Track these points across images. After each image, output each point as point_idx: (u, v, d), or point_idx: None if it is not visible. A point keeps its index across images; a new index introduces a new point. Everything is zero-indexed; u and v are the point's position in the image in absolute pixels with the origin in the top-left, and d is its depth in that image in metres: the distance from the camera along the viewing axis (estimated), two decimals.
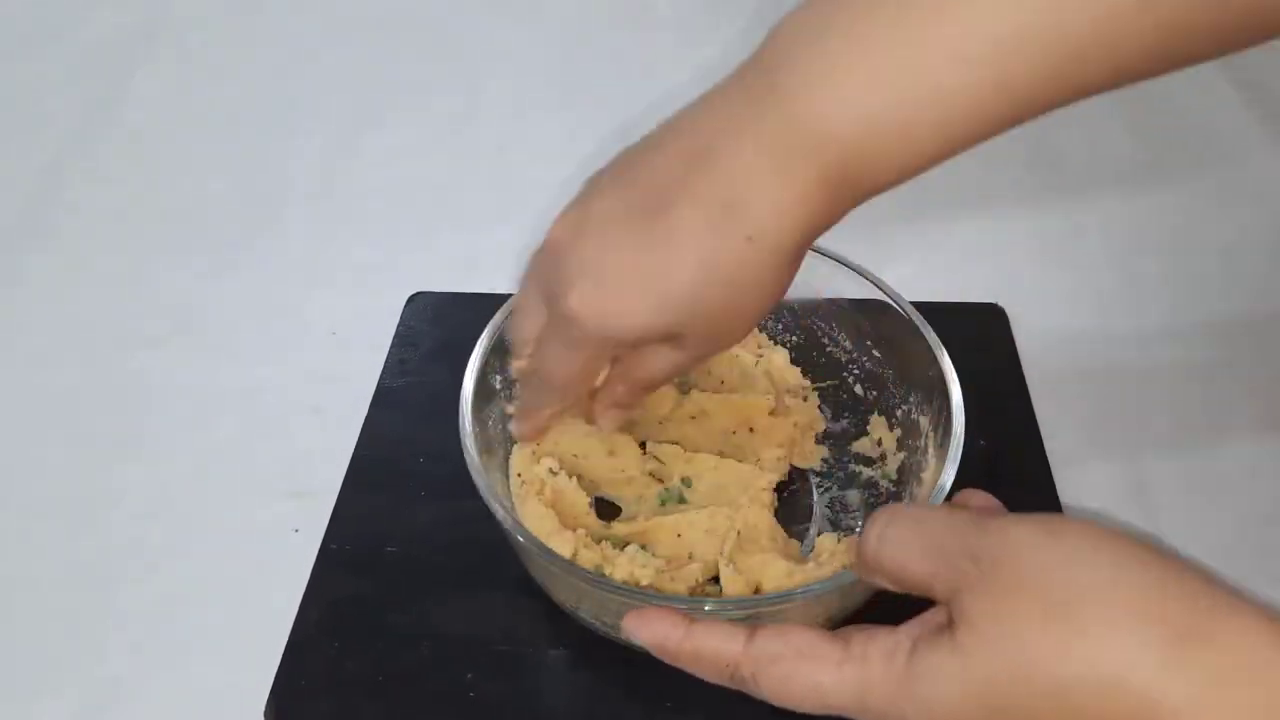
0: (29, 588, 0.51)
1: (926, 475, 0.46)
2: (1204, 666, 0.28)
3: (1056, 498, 0.52)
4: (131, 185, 0.73)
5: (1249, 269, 0.64)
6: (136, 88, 0.82)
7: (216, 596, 0.50)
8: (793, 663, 0.34)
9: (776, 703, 0.34)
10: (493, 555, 0.49)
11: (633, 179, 0.38)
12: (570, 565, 0.42)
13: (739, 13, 0.87)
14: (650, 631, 0.37)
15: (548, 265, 0.40)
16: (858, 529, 0.49)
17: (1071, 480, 0.53)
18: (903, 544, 0.34)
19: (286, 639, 0.47)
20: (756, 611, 0.39)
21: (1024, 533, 0.31)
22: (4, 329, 0.64)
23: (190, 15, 0.89)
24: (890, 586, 0.35)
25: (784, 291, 0.38)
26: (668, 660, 0.37)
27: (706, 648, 0.36)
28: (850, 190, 0.35)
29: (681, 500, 0.50)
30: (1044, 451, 0.54)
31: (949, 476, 0.42)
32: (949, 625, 0.31)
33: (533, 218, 0.69)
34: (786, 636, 0.34)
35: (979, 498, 0.41)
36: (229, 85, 0.83)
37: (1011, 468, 0.53)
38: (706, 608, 0.38)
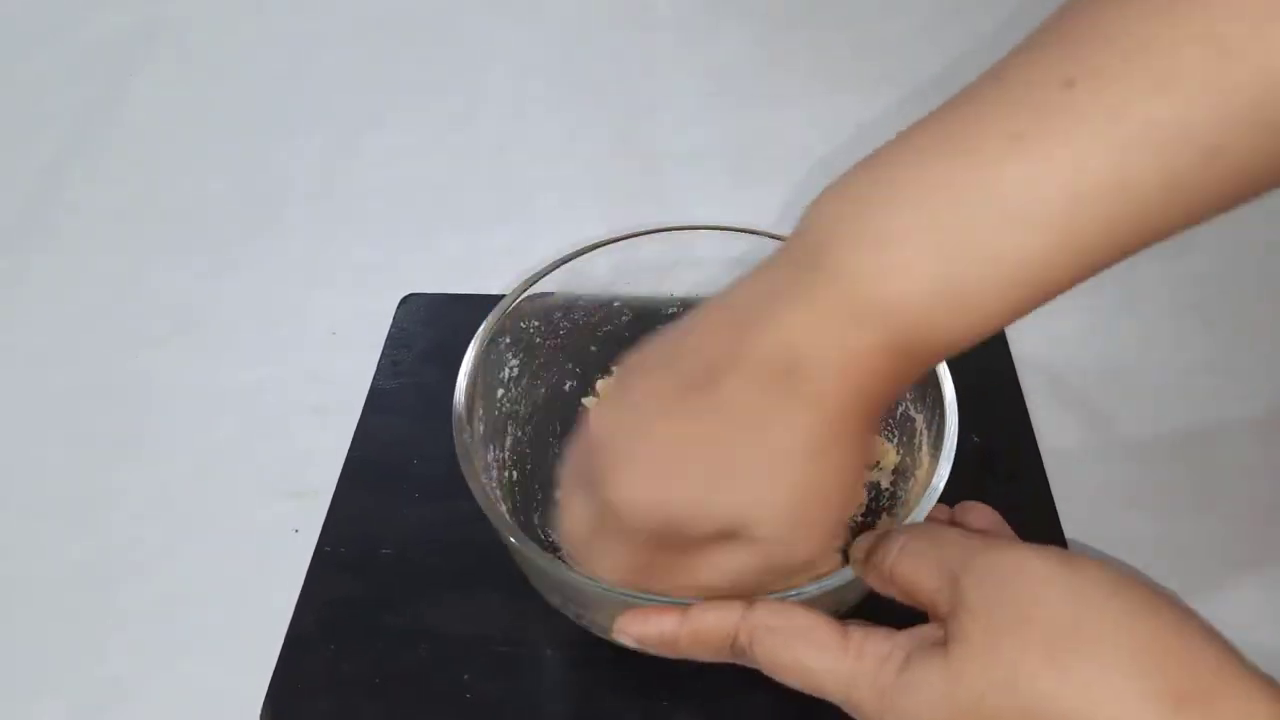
0: (29, 588, 0.51)
1: (920, 473, 0.46)
2: None
3: (1050, 495, 0.52)
4: (131, 185, 0.74)
5: (1249, 268, 0.64)
6: (136, 88, 0.82)
7: (216, 596, 0.50)
8: (789, 637, 0.34)
9: (767, 672, 0.35)
10: (489, 556, 0.49)
11: (673, 357, 0.34)
12: (559, 566, 0.42)
13: (739, 13, 0.87)
14: (646, 628, 0.37)
15: (588, 458, 0.35)
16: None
17: (1065, 477, 0.53)
18: (918, 560, 0.34)
19: (280, 646, 0.47)
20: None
21: (1038, 564, 0.31)
22: (4, 329, 0.64)
23: (190, 15, 0.89)
24: (900, 598, 0.35)
25: (864, 466, 0.34)
26: (668, 653, 0.37)
27: (705, 626, 0.36)
28: (913, 358, 0.32)
29: None
30: (1037, 449, 0.54)
31: (943, 474, 0.42)
32: (944, 642, 0.31)
33: (533, 218, 0.70)
34: (788, 613, 0.35)
35: (979, 511, 0.41)
36: (229, 85, 0.83)
37: (1005, 465, 0.53)
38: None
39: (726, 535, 0.34)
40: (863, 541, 0.38)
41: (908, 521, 0.40)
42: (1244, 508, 0.53)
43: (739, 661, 0.36)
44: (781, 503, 0.33)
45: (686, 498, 0.33)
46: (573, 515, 0.38)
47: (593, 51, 0.85)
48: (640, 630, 0.37)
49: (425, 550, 0.50)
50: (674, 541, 0.35)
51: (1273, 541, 0.51)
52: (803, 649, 0.34)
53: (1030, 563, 0.31)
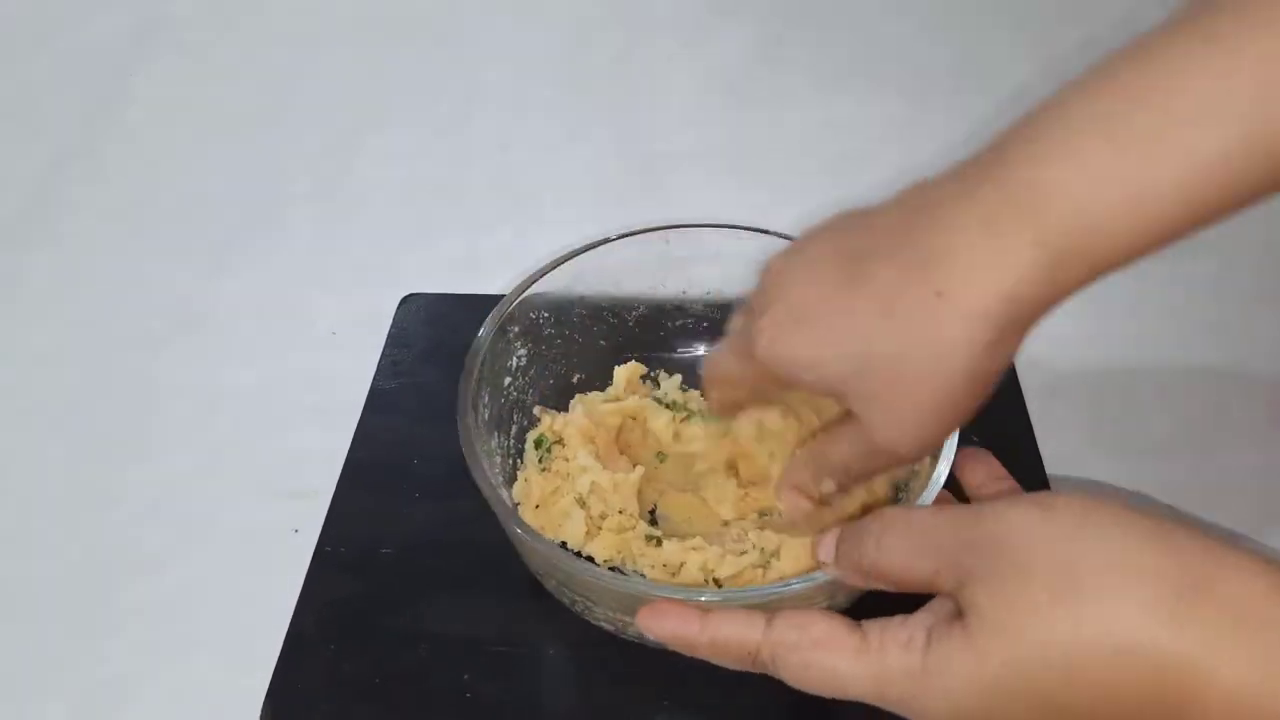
0: (29, 588, 0.51)
1: (920, 471, 0.46)
2: (1207, 619, 0.28)
3: (1048, 490, 0.52)
4: (131, 185, 0.74)
5: (1249, 269, 0.64)
6: (136, 88, 0.82)
7: (216, 596, 0.50)
8: (811, 651, 0.34)
9: (793, 685, 0.35)
10: (489, 556, 0.49)
11: (849, 228, 0.37)
12: (576, 561, 0.42)
13: (739, 13, 0.87)
14: (667, 626, 0.37)
15: (757, 289, 0.39)
16: None
17: (1063, 475, 0.53)
18: (900, 549, 0.34)
19: (281, 645, 0.47)
20: (752, 603, 0.39)
21: (1018, 515, 0.32)
22: (4, 329, 0.64)
23: (190, 15, 0.89)
24: (889, 589, 0.35)
25: (985, 376, 0.34)
26: (686, 652, 0.38)
27: (725, 637, 0.36)
28: (1077, 261, 0.32)
29: None
30: (1037, 449, 0.54)
31: (943, 472, 0.42)
32: (959, 615, 0.32)
33: (533, 218, 0.70)
34: (805, 625, 0.35)
35: (977, 460, 0.43)
36: (229, 85, 0.83)
37: (1004, 463, 0.52)
38: (702, 598, 0.38)
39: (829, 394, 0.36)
40: (826, 541, 0.37)
41: None
42: (1244, 508, 0.53)
43: (762, 672, 0.36)
44: (888, 381, 0.34)
45: (805, 347, 0.36)
46: (735, 330, 0.41)
47: (593, 51, 0.85)
48: (660, 629, 0.37)
49: (425, 551, 0.50)
50: (784, 381, 0.38)
51: (1273, 541, 0.51)
52: (825, 658, 0.34)
53: (1011, 517, 0.32)
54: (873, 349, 0.34)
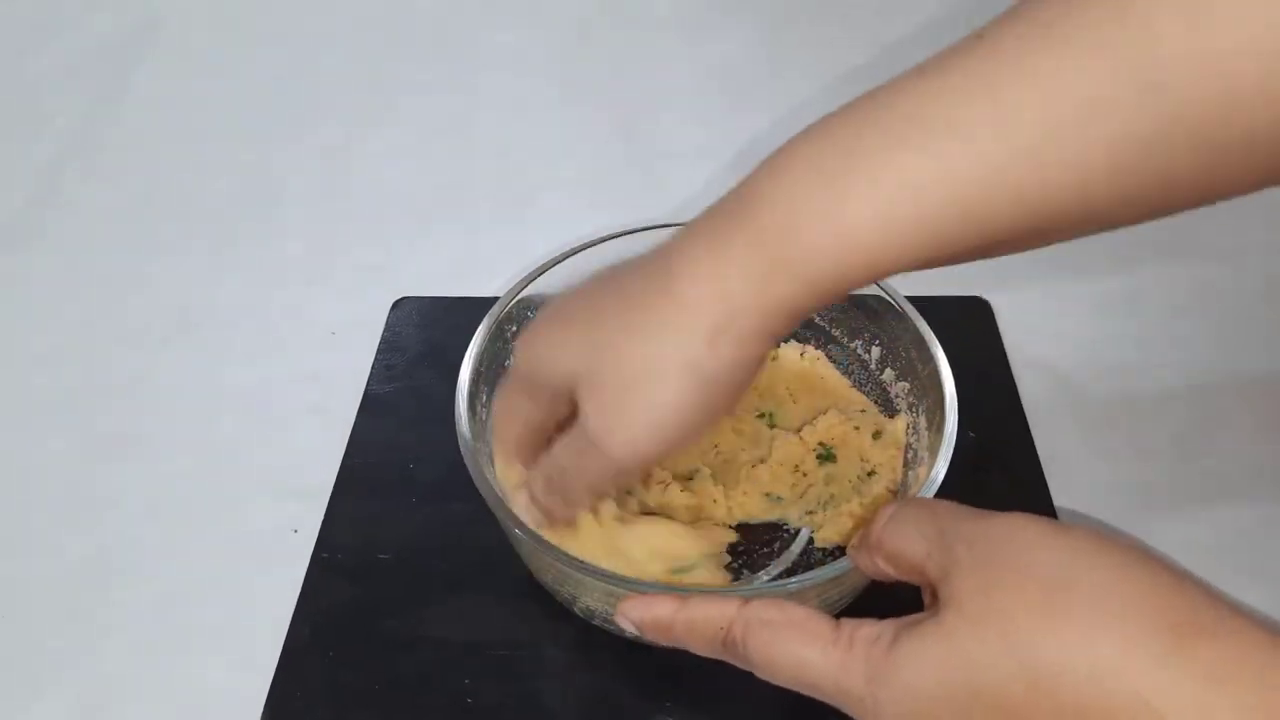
0: (29, 587, 0.51)
1: (920, 468, 0.46)
2: (1199, 665, 0.27)
3: (1046, 487, 0.52)
4: (131, 185, 0.74)
5: (1249, 269, 0.64)
6: (136, 88, 0.82)
7: (216, 597, 0.50)
8: (783, 630, 0.34)
9: (759, 669, 0.35)
10: (487, 558, 0.49)
11: (616, 269, 0.40)
12: (568, 557, 0.42)
13: (739, 12, 0.87)
14: (645, 612, 0.38)
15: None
16: None
17: (1061, 474, 0.53)
18: (907, 527, 0.34)
19: (281, 646, 0.47)
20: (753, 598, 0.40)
21: (1028, 524, 0.32)
22: (4, 329, 0.64)
23: (190, 15, 0.89)
24: (889, 570, 0.35)
25: (704, 379, 0.35)
26: (662, 640, 0.38)
27: (700, 615, 0.36)
28: (785, 273, 0.34)
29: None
30: (1033, 444, 0.54)
31: (942, 467, 0.42)
32: (935, 611, 0.31)
33: (533, 218, 0.70)
34: (782, 606, 0.35)
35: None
36: (229, 85, 0.83)
37: (1000, 460, 0.53)
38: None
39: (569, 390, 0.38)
40: (861, 531, 0.38)
41: None
42: (1244, 508, 0.53)
43: (730, 659, 0.36)
44: (616, 385, 0.36)
45: (553, 351, 0.39)
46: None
47: (593, 51, 0.85)
48: (639, 614, 0.38)
49: (423, 555, 0.50)
50: (538, 389, 0.41)
51: (1273, 541, 0.51)
52: (795, 641, 0.34)
53: (1021, 527, 0.31)
54: (605, 347, 0.37)
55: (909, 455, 0.49)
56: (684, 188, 0.71)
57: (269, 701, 0.45)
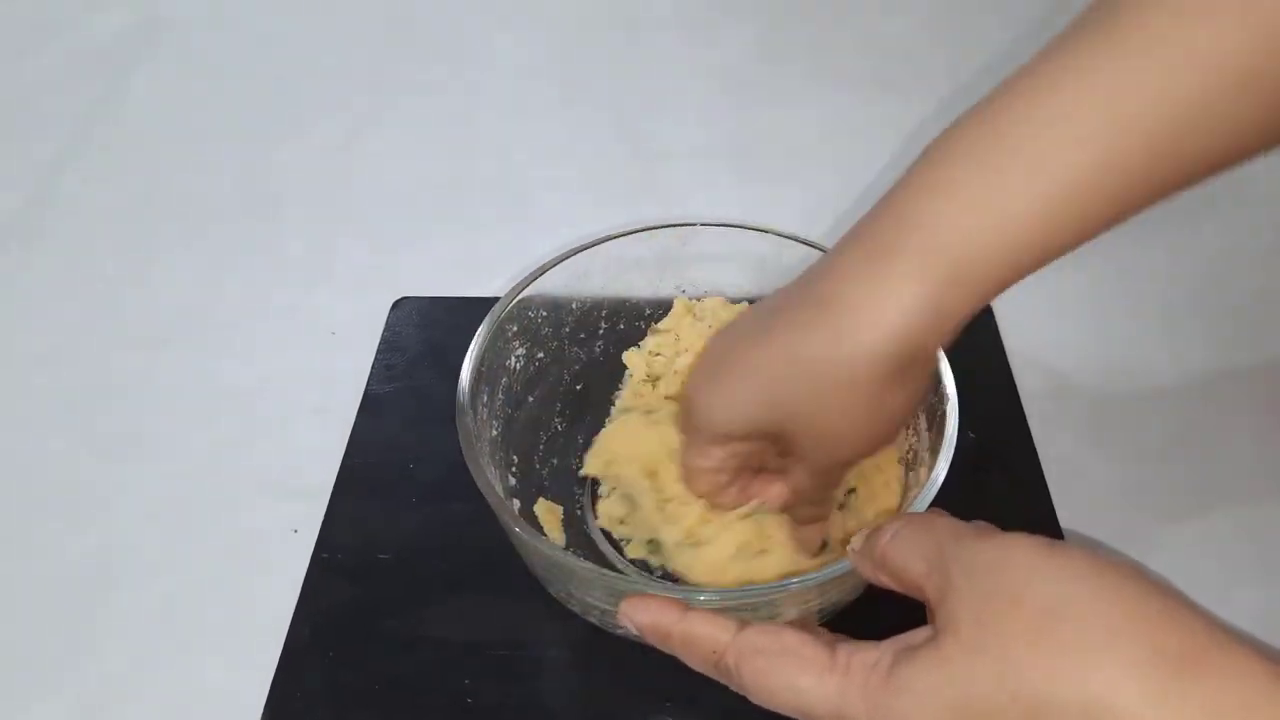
0: (29, 588, 0.51)
1: (920, 469, 0.46)
2: (1194, 700, 0.27)
3: (1046, 489, 0.52)
4: (131, 185, 0.74)
5: (1248, 269, 0.64)
6: (136, 88, 0.82)
7: (216, 597, 0.50)
8: (777, 658, 0.34)
9: (754, 697, 0.35)
10: (487, 558, 0.49)
11: (766, 302, 0.41)
12: (565, 555, 0.42)
13: (739, 12, 0.87)
14: (646, 616, 0.37)
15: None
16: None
17: (1061, 474, 0.53)
18: (909, 545, 0.34)
19: (282, 646, 0.47)
20: (749, 602, 0.40)
21: (1023, 548, 0.31)
22: (4, 329, 0.64)
23: (190, 15, 0.89)
24: (893, 586, 0.35)
25: (895, 404, 0.37)
26: (659, 645, 0.38)
27: (697, 633, 0.36)
28: (958, 290, 0.35)
29: None
30: (1033, 445, 0.54)
31: (943, 468, 0.42)
32: (933, 637, 0.31)
33: (533, 218, 0.70)
34: (776, 633, 0.35)
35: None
36: (229, 85, 0.83)
37: (1001, 461, 0.53)
38: (701, 598, 0.38)
39: (782, 452, 0.41)
40: (859, 533, 0.38)
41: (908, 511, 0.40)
42: (1244, 508, 0.53)
43: (723, 680, 0.36)
44: (812, 418, 0.38)
45: (731, 403, 0.40)
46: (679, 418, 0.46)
47: (593, 51, 0.85)
48: (639, 617, 0.38)
49: (423, 555, 0.50)
50: (724, 439, 0.42)
51: (1273, 541, 0.51)
52: (790, 668, 0.33)
53: (1016, 550, 0.31)
54: (784, 399, 0.38)
55: (909, 456, 0.49)
56: (684, 188, 0.71)
57: (269, 702, 0.45)
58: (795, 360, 0.37)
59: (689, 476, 0.45)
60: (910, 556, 0.34)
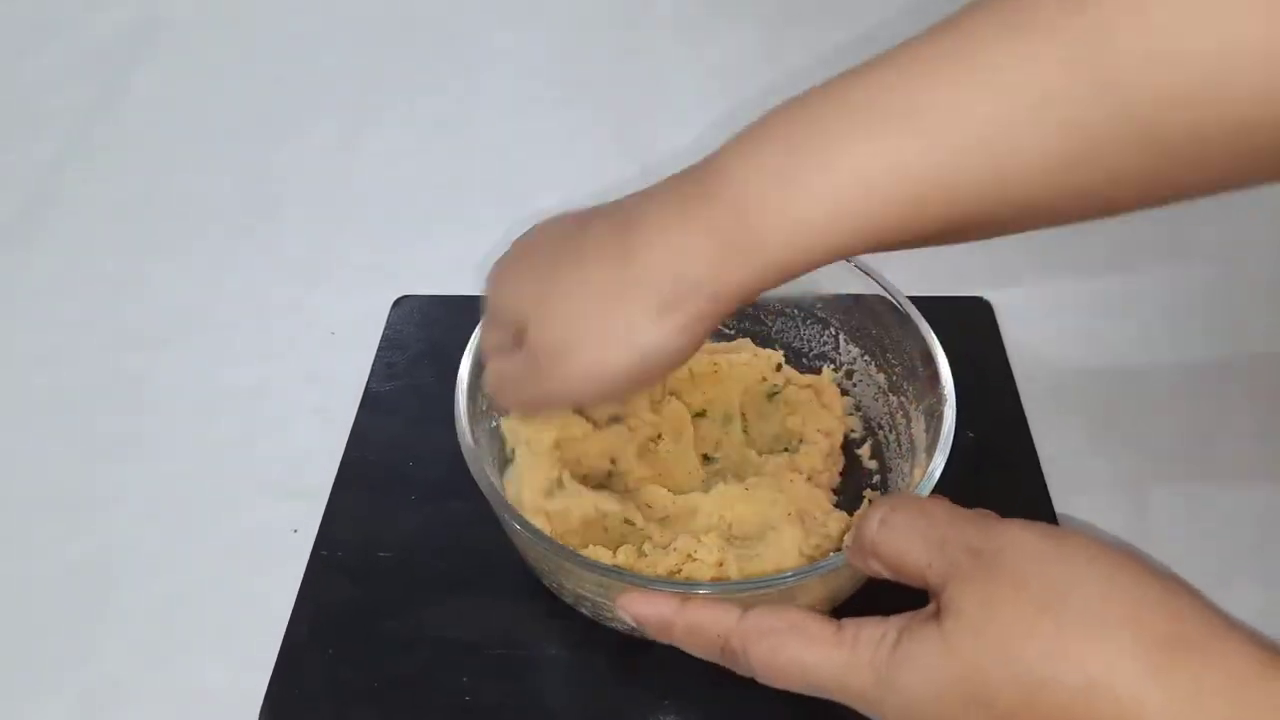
0: (29, 587, 0.51)
1: (918, 467, 0.46)
2: (1187, 678, 0.28)
3: (1046, 489, 0.52)
4: (131, 185, 0.74)
5: (1248, 269, 0.64)
6: (136, 88, 0.82)
7: (216, 597, 0.50)
8: (783, 636, 0.34)
9: (762, 677, 0.35)
10: (487, 557, 0.49)
11: (587, 211, 0.41)
12: (564, 549, 0.42)
13: (739, 12, 0.87)
14: (646, 609, 0.38)
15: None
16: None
17: (1060, 473, 0.53)
18: (904, 531, 0.34)
19: (281, 645, 0.47)
20: (749, 595, 0.40)
21: (1026, 534, 0.32)
22: (4, 329, 0.64)
23: (190, 15, 0.89)
24: (885, 574, 0.35)
25: (648, 350, 0.36)
26: (662, 638, 0.38)
27: (700, 621, 0.36)
28: (739, 255, 0.35)
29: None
30: (1032, 444, 0.54)
31: (939, 464, 0.42)
32: (936, 616, 0.32)
33: (533, 217, 0.70)
34: (782, 612, 0.35)
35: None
36: (229, 85, 0.83)
37: (1000, 461, 0.53)
38: (700, 592, 0.39)
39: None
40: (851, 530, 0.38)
41: None
42: (1243, 508, 0.53)
43: (730, 667, 0.36)
44: (555, 335, 0.38)
45: (510, 288, 0.41)
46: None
47: (593, 51, 0.85)
48: (639, 609, 0.38)
49: (423, 553, 0.50)
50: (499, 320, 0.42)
51: (1273, 540, 0.51)
52: (797, 645, 0.34)
53: (1021, 536, 0.32)
54: (556, 289, 0.38)
55: (904, 455, 0.49)
56: None
57: (268, 700, 0.45)
58: (581, 262, 0.38)
59: (483, 342, 0.45)
60: (908, 543, 0.34)
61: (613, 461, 0.50)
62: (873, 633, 0.33)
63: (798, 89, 0.34)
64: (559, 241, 0.40)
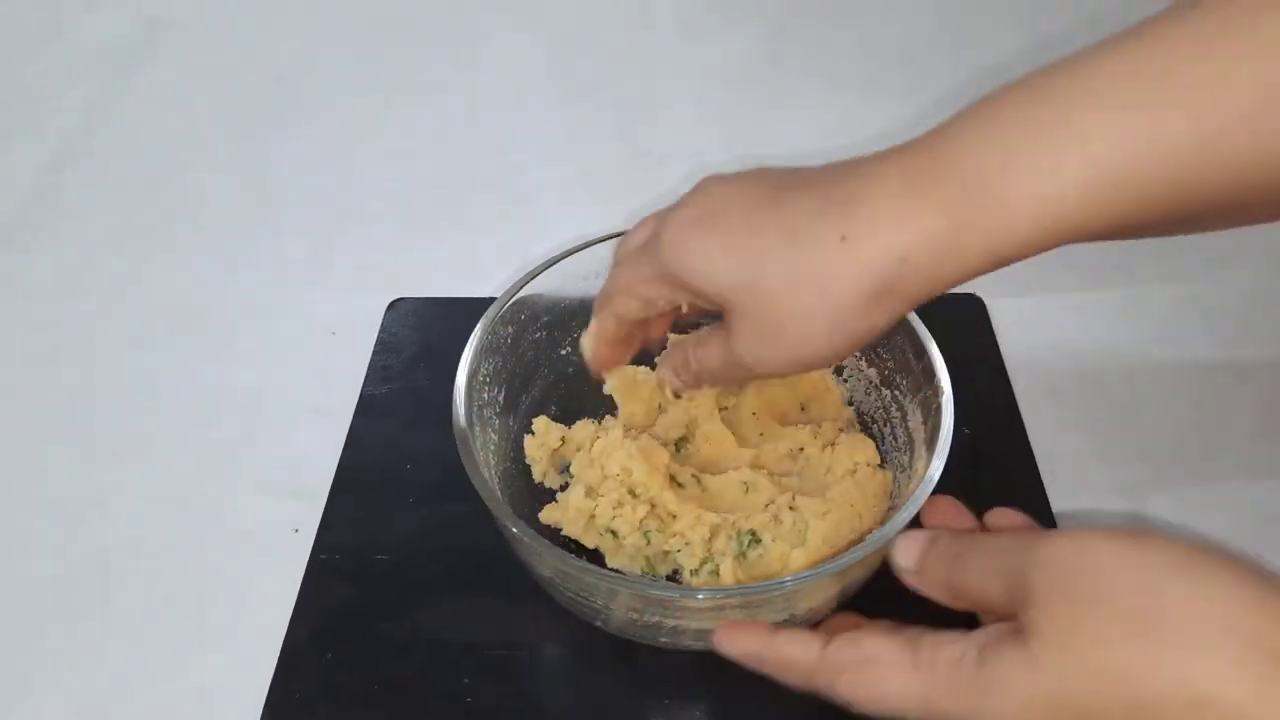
0: (29, 587, 0.51)
1: (916, 467, 0.46)
2: None
3: (1042, 486, 0.52)
4: (131, 185, 0.74)
5: (1248, 269, 0.64)
6: (136, 88, 0.82)
7: (216, 597, 0.50)
8: (861, 671, 0.34)
9: (855, 710, 0.35)
10: (484, 559, 0.49)
11: (783, 171, 0.39)
12: (559, 552, 0.42)
13: (739, 13, 0.87)
14: (739, 647, 0.38)
15: (675, 204, 0.41)
16: None
17: (1056, 472, 0.53)
18: (982, 570, 0.34)
19: (280, 646, 0.47)
20: (749, 599, 0.40)
21: (1106, 546, 0.30)
22: (4, 329, 0.64)
23: (190, 15, 0.89)
24: (962, 607, 0.35)
25: (855, 329, 0.36)
26: (757, 670, 0.38)
27: (785, 656, 0.37)
28: (975, 236, 0.33)
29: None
30: (1028, 442, 0.54)
31: (937, 466, 0.42)
32: (1020, 636, 0.31)
33: (532, 218, 0.70)
34: (858, 644, 0.35)
35: (1009, 516, 0.40)
36: (229, 85, 0.83)
37: (995, 458, 0.53)
38: (699, 596, 0.39)
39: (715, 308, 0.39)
40: (911, 547, 0.37)
41: (903, 512, 0.40)
42: (1242, 508, 0.52)
43: (823, 696, 0.36)
44: (768, 308, 0.36)
45: (701, 254, 0.38)
46: (634, 236, 0.43)
47: (593, 51, 0.85)
48: (732, 649, 0.38)
49: (420, 555, 0.50)
50: (676, 287, 0.39)
51: (1272, 540, 0.51)
52: (875, 677, 0.34)
53: (1097, 546, 0.31)
54: (766, 270, 0.36)
55: (902, 455, 0.49)
56: (684, 188, 0.71)
57: (268, 701, 0.45)
58: (794, 240, 0.35)
59: (614, 291, 0.43)
60: (986, 580, 0.33)
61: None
62: (951, 652, 0.32)
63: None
64: (756, 213, 0.37)
